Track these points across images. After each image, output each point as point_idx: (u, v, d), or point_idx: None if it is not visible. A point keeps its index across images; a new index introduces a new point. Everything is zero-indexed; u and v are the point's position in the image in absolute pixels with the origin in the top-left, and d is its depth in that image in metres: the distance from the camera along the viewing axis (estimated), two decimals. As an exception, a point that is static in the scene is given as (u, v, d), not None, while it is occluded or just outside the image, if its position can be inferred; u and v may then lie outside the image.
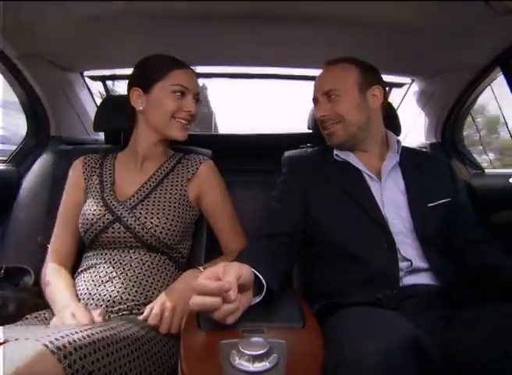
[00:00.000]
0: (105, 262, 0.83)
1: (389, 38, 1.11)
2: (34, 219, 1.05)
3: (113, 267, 0.82)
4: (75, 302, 0.76)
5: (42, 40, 1.06)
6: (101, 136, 1.27)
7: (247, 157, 1.29)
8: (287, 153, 1.05)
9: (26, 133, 1.30)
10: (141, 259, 0.84)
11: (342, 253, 0.81)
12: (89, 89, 1.50)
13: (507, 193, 1.15)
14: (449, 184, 0.91)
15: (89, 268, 0.84)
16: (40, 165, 1.13)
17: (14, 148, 1.27)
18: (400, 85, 1.53)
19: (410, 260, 0.77)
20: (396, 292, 0.73)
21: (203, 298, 0.53)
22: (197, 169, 0.94)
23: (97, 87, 1.60)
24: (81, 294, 0.80)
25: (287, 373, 0.48)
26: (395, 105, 1.49)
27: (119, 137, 1.14)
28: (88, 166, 0.95)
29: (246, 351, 0.48)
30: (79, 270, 0.86)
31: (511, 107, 1.26)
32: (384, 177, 0.87)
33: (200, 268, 0.82)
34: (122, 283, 0.79)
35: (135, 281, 0.81)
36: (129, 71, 0.98)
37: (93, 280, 0.81)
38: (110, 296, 0.78)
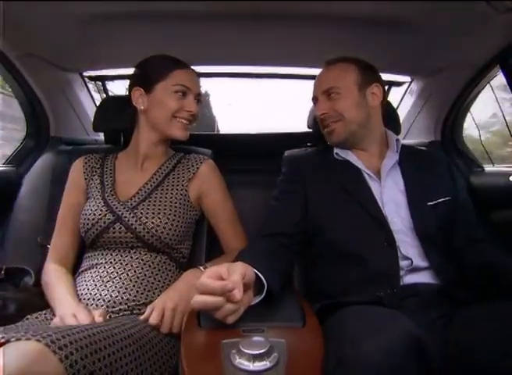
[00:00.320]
0: (106, 262, 0.83)
1: (388, 37, 1.11)
2: (34, 219, 1.05)
3: (114, 267, 0.82)
4: (76, 302, 0.76)
5: (42, 40, 1.06)
6: (101, 136, 1.27)
7: (247, 157, 1.29)
8: (287, 152, 1.05)
9: (26, 133, 1.31)
10: (142, 259, 0.84)
11: (342, 252, 0.81)
12: (88, 89, 1.50)
13: (507, 191, 1.15)
14: (449, 183, 0.91)
15: (90, 268, 0.84)
16: (40, 165, 1.13)
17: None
18: (399, 84, 1.53)
19: (410, 259, 0.77)
20: (396, 291, 0.73)
21: (205, 297, 0.53)
22: (197, 168, 0.94)
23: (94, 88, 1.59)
24: (82, 294, 0.80)
25: (287, 373, 0.48)
26: (394, 104, 1.49)
27: (119, 137, 1.14)
28: (89, 165, 0.96)
29: (246, 351, 0.48)
30: (79, 270, 0.86)
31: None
32: (383, 176, 0.87)
33: (201, 268, 0.83)
34: (123, 283, 0.80)
35: (136, 281, 0.81)
36: (128, 71, 0.98)
37: (94, 281, 0.81)
38: (111, 296, 0.78)
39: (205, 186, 0.94)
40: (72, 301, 0.77)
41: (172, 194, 0.90)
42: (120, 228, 0.83)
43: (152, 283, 0.82)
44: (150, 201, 0.87)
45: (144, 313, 0.73)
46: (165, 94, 0.89)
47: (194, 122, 0.95)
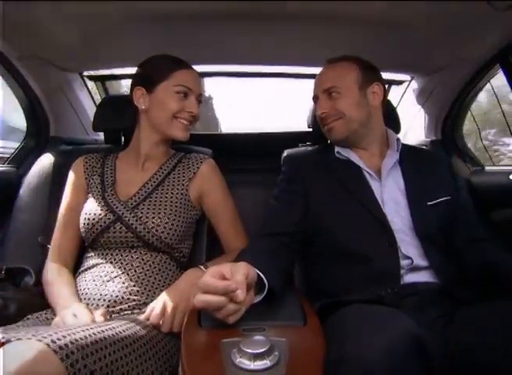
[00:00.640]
0: (106, 262, 0.83)
1: (388, 36, 1.10)
2: (35, 219, 1.05)
3: (114, 267, 0.82)
4: (76, 302, 0.76)
5: (41, 41, 1.06)
6: (101, 136, 1.27)
7: (248, 156, 1.29)
8: (287, 151, 1.05)
9: (26, 133, 1.30)
10: (142, 259, 0.84)
11: (343, 251, 0.81)
12: (88, 89, 1.50)
13: (508, 190, 1.15)
14: (450, 182, 0.91)
15: (90, 268, 0.84)
16: (40, 165, 1.13)
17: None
18: (399, 82, 1.53)
19: (410, 258, 0.77)
20: (397, 290, 0.73)
21: (207, 297, 0.53)
22: (198, 168, 0.94)
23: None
24: (82, 293, 0.80)
25: (288, 372, 0.48)
26: (394, 103, 1.49)
27: (119, 137, 1.14)
28: (89, 165, 0.95)
29: (247, 350, 0.48)
30: (80, 270, 0.86)
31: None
32: (384, 175, 0.87)
33: (202, 267, 0.83)
34: (124, 283, 0.80)
35: (136, 281, 0.81)
36: (128, 71, 0.98)
37: (94, 280, 0.81)
38: (111, 296, 0.78)
39: (206, 185, 0.94)
40: (73, 300, 0.77)
41: (172, 193, 0.90)
42: (120, 228, 0.83)
43: (153, 282, 0.82)
44: (150, 201, 0.87)
45: (144, 313, 0.73)
46: (167, 94, 0.88)
47: (195, 122, 0.95)
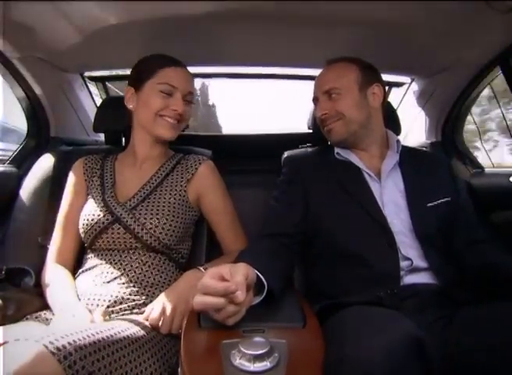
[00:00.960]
0: (106, 263, 0.83)
1: (388, 37, 1.10)
2: (34, 219, 1.05)
3: (113, 268, 0.82)
4: (75, 303, 0.76)
5: (42, 41, 1.06)
6: (101, 137, 1.26)
7: (247, 157, 1.29)
8: (287, 153, 1.05)
9: (27, 134, 1.30)
10: (141, 260, 0.84)
11: (343, 253, 0.81)
12: (89, 90, 1.50)
13: (508, 192, 1.15)
14: (449, 184, 0.91)
15: (89, 269, 0.84)
16: (40, 166, 1.13)
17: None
18: (399, 84, 1.53)
19: (410, 259, 0.77)
20: (396, 291, 0.73)
21: (207, 298, 0.53)
22: (196, 169, 0.94)
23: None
24: (81, 294, 0.80)
25: (288, 373, 0.48)
26: (395, 105, 1.49)
27: (120, 138, 1.14)
28: (89, 167, 0.95)
29: (247, 351, 0.48)
30: (79, 271, 0.86)
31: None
32: (384, 177, 0.87)
33: (201, 268, 0.82)
34: (123, 284, 0.80)
35: (135, 282, 0.81)
36: (129, 72, 0.98)
37: (93, 281, 0.81)
38: (111, 296, 0.78)
39: (204, 187, 0.94)
40: (72, 301, 0.77)
41: (170, 195, 0.90)
42: (119, 229, 0.83)
43: (152, 283, 0.82)
44: (149, 202, 0.87)
45: (143, 313, 0.73)
46: (151, 92, 0.87)
47: (184, 122, 0.92)
